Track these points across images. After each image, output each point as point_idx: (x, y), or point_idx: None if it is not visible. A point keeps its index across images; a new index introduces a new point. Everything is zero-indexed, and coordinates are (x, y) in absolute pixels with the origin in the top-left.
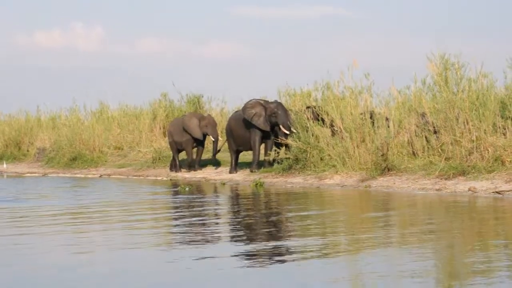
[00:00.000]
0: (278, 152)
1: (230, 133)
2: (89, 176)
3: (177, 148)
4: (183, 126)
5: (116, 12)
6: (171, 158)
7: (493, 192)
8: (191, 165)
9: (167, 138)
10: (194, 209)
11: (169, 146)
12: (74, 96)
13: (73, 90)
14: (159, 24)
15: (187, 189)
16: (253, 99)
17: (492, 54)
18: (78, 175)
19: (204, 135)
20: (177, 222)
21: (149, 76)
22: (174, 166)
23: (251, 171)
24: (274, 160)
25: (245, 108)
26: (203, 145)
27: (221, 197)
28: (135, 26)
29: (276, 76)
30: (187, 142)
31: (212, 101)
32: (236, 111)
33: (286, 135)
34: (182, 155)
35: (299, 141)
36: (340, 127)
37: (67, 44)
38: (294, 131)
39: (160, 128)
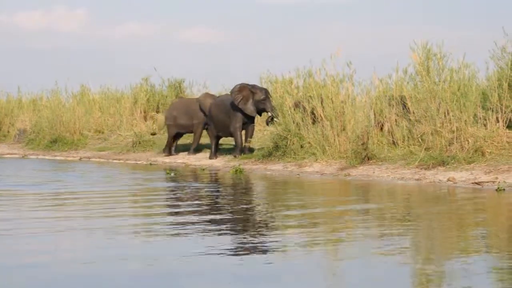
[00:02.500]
0: None
1: (211, 118)
2: (69, 158)
3: (177, 131)
4: (200, 105)
5: None
6: (167, 142)
7: (473, 183)
8: (196, 149)
9: (164, 120)
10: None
11: (167, 129)
12: (55, 78)
13: (54, 72)
14: (141, 8)
15: (172, 174)
16: (242, 83)
17: (475, 44)
18: (58, 158)
19: None
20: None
21: (131, 60)
22: (168, 149)
23: (234, 157)
24: None
25: (232, 91)
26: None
27: (208, 183)
28: (117, 9)
29: (258, 62)
30: (198, 126)
31: (193, 86)
32: (218, 97)
33: (271, 122)
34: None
35: (280, 128)
36: (320, 115)
37: (49, 26)
38: (277, 120)
39: (140, 112)
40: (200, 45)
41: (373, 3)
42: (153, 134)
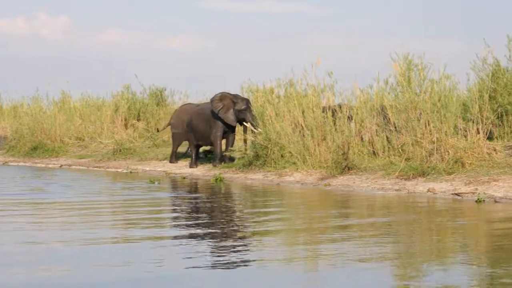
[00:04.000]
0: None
1: (190, 127)
2: (50, 166)
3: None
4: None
5: (81, 2)
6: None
7: (452, 194)
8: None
9: (170, 127)
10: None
11: (174, 138)
12: (36, 85)
13: (36, 78)
14: (123, 15)
15: (156, 183)
16: (223, 92)
17: (456, 55)
18: (38, 165)
19: None
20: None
21: (112, 67)
22: (175, 157)
23: (214, 166)
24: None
25: (213, 99)
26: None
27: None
28: (100, 16)
29: (239, 71)
30: None
31: (174, 94)
32: (197, 105)
33: (252, 133)
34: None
35: (260, 137)
36: (301, 125)
37: (31, 32)
38: (260, 129)
39: (121, 120)
40: (181, 53)
41: (354, 14)
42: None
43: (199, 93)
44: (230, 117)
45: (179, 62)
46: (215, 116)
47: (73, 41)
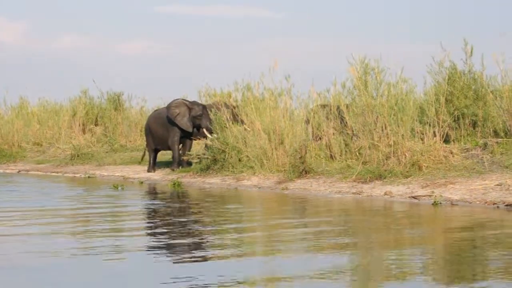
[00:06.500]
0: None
1: (149, 131)
2: (7, 171)
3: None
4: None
5: (39, 7)
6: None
7: (409, 197)
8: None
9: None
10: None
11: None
12: None
13: None
14: (82, 21)
15: (119, 188)
16: (179, 99)
17: (413, 59)
18: None
19: None
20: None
21: (70, 72)
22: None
23: (172, 170)
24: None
25: (169, 106)
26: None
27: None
28: (58, 22)
29: (197, 75)
30: None
31: (132, 99)
32: (155, 110)
33: (206, 137)
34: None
35: (218, 141)
36: (258, 129)
37: None
38: (216, 135)
39: (79, 125)
40: (139, 58)
41: (310, 18)
42: None
43: (157, 97)
44: (185, 123)
45: (137, 66)
46: (171, 121)
47: (31, 47)
